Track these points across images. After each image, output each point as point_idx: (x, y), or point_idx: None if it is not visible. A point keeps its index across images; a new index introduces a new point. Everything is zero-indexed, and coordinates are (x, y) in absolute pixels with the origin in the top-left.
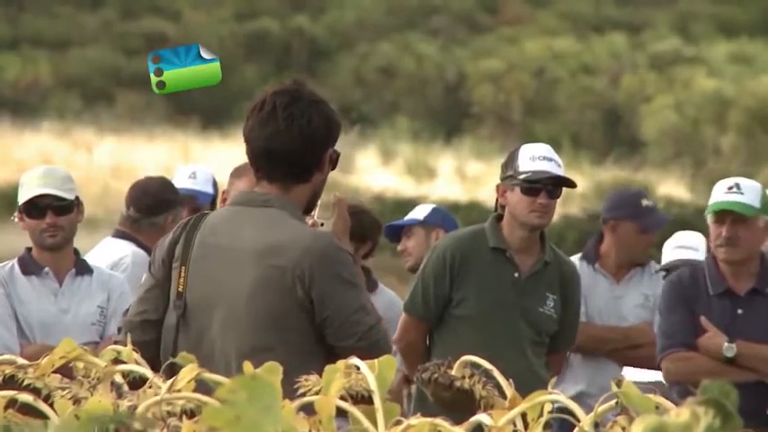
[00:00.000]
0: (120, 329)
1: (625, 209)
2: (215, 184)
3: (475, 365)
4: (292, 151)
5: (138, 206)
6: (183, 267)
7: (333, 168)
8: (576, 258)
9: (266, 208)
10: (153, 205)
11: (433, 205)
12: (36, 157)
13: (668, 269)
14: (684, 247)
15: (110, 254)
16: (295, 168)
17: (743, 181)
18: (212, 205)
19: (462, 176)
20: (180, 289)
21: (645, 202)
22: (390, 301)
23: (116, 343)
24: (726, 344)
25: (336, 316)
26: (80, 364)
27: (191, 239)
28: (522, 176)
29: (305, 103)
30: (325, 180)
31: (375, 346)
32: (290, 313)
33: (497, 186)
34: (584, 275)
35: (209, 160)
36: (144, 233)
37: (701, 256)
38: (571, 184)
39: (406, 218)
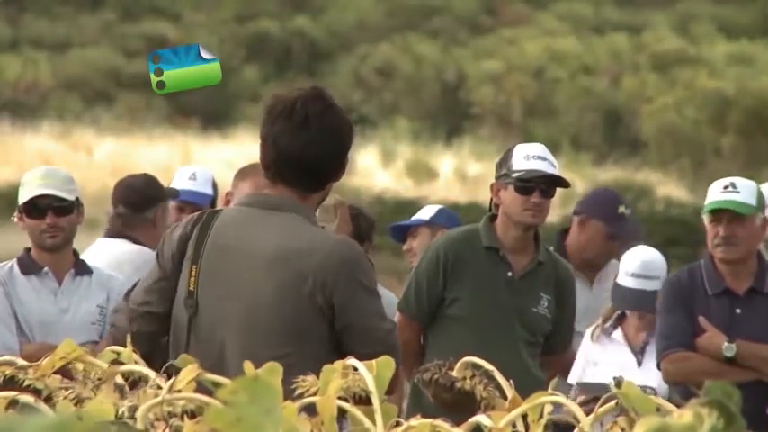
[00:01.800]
0: (115, 310)
1: (599, 209)
2: (215, 186)
3: (475, 366)
4: (324, 159)
5: (127, 203)
6: (195, 266)
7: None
8: None
9: (281, 212)
10: (141, 201)
11: (440, 206)
12: (36, 158)
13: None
14: (643, 276)
15: (109, 256)
16: (321, 176)
17: (738, 180)
18: (212, 206)
19: (462, 177)
20: (191, 288)
21: (622, 209)
22: (389, 302)
23: (112, 326)
24: (725, 344)
25: (357, 323)
26: (80, 365)
27: (203, 238)
28: (515, 175)
29: (335, 112)
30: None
31: (392, 350)
32: (310, 320)
33: (492, 185)
34: None
35: (209, 161)
36: (137, 229)
37: (659, 285)
38: (564, 184)
39: (413, 218)
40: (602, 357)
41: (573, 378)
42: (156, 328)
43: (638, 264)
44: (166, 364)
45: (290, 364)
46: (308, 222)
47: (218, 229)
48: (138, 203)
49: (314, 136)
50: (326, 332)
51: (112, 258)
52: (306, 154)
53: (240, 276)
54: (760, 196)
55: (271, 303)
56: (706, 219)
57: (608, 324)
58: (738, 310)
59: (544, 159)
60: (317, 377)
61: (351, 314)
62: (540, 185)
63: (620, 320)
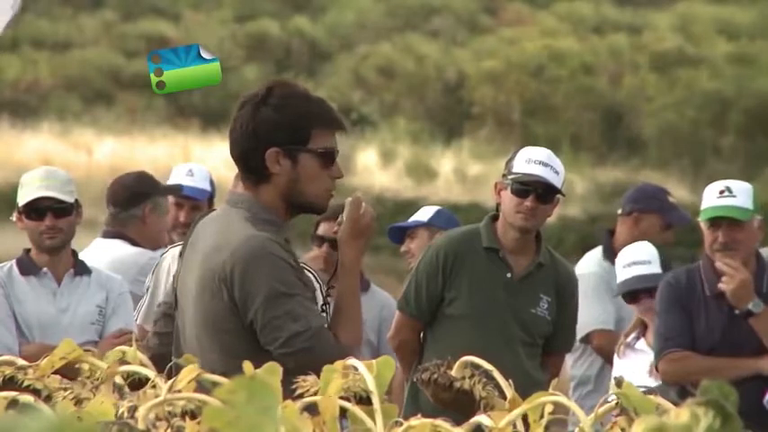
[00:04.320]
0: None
1: (652, 202)
2: (212, 182)
3: (475, 366)
4: (236, 153)
5: (116, 201)
6: (181, 266)
7: (324, 167)
8: (595, 255)
9: (234, 208)
10: (129, 197)
11: (438, 207)
12: (36, 158)
13: (629, 293)
14: (636, 263)
15: (109, 257)
16: (246, 169)
17: (733, 183)
18: (210, 202)
19: (462, 178)
20: (175, 286)
21: (672, 199)
22: (383, 302)
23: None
24: (756, 299)
25: (258, 320)
26: (86, 365)
27: (189, 237)
28: (512, 177)
29: (250, 106)
30: (298, 178)
31: (302, 354)
32: (222, 315)
33: (495, 184)
34: (609, 275)
35: (209, 161)
36: (127, 227)
37: (654, 268)
38: (558, 192)
39: (411, 219)
40: (631, 368)
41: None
42: (171, 329)
43: (627, 254)
44: (170, 364)
45: (213, 360)
46: (243, 219)
47: (195, 228)
48: (124, 201)
49: (232, 131)
50: (240, 328)
51: (115, 260)
52: (231, 148)
53: (188, 275)
54: (755, 198)
55: (194, 300)
56: (703, 224)
57: (631, 338)
58: (737, 312)
59: (546, 165)
60: (236, 373)
61: (251, 311)
62: (537, 190)
63: (642, 332)
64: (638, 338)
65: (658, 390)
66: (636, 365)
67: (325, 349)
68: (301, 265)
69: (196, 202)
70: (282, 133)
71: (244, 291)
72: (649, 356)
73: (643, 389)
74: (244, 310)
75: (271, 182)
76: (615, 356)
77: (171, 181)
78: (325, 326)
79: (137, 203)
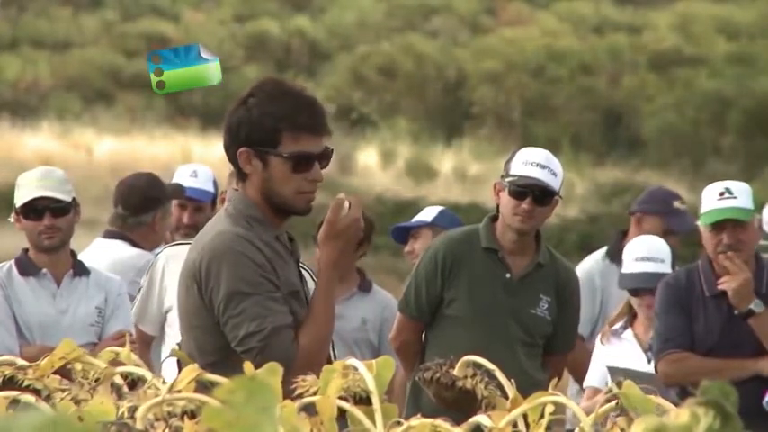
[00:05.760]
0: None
1: (655, 204)
2: (215, 183)
3: (477, 365)
4: (225, 150)
5: (126, 204)
6: None
7: (297, 171)
8: (596, 254)
9: (224, 204)
10: (140, 203)
11: (441, 207)
12: (35, 158)
13: (634, 290)
14: (649, 258)
15: (109, 258)
16: (233, 166)
17: (732, 184)
18: (213, 204)
19: (462, 177)
20: None
21: (677, 204)
22: (385, 302)
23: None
24: (757, 299)
25: (221, 317)
26: (78, 366)
27: None
28: (509, 179)
29: (233, 106)
30: (270, 179)
31: (254, 353)
32: (194, 312)
33: (494, 184)
34: (607, 273)
35: (209, 161)
36: (134, 231)
37: (667, 267)
38: (555, 195)
39: (414, 219)
40: (615, 357)
41: (587, 383)
42: None
43: (641, 245)
44: (167, 357)
45: (192, 357)
46: (226, 214)
47: None
48: (137, 206)
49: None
50: (210, 325)
51: (115, 261)
52: None
53: None
54: (754, 197)
55: (177, 297)
56: (705, 227)
57: (618, 326)
58: (737, 312)
59: (544, 167)
60: (213, 370)
61: (215, 308)
62: (534, 192)
63: (630, 322)
64: (625, 328)
65: (648, 378)
66: (619, 352)
67: (278, 350)
68: (301, 265)
69: (199, 204)
70: (252, 134)
71: (209, 287)
72: (634, 346)
73: (636, 374)
74: (210, 306)
75: (250, 180)
76: (598, 342)
77: (174, 181)
78: (288, 326)
79: (148, 210)
